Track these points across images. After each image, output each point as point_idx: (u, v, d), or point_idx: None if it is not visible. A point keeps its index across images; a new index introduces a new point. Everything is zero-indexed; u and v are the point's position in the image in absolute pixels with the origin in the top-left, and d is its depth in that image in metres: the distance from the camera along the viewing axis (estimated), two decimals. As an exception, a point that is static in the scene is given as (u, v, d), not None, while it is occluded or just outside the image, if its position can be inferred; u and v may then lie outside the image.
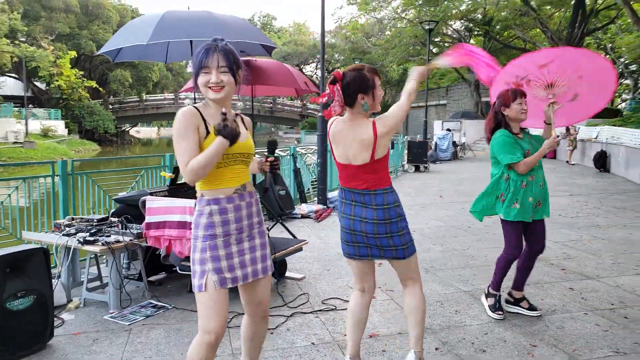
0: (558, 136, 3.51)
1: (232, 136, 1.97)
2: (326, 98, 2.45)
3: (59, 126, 35.85)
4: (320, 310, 3.71)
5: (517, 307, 3.65)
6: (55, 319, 3.24)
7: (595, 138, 16.09)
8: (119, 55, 4.36)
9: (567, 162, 16.71)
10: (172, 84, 48.46)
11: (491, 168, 3.58)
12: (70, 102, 39.56)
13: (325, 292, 4.14)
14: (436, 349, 3.08)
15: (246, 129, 2.24)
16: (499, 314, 3.56)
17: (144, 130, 68.42)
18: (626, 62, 27.36)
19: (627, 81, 33.07)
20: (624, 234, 6.20)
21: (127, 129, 51.68)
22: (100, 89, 41.40)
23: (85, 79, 39.58)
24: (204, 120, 2.06)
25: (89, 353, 3.01)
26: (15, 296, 2.86)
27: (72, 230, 3.71)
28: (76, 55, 38.82)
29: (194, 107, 2.08)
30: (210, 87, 2.04)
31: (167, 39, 3.85)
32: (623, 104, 29.56)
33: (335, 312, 3.68)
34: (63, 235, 3.64)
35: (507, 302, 3.70)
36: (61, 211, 4.54)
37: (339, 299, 3.95)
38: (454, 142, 19.46)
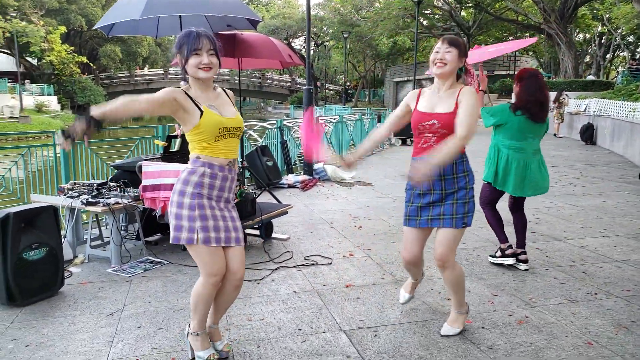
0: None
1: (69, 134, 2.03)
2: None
3: (52, 101, 35.73)
4: (302, 265, 4.07)
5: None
6: (64, 271, 3.58)
7: (584, 111, 16.31)
8: (113, 30, 4.58)
9: (555, 135, 17.00)
10: (161, 59, 48.11)
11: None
12: (62, 77, 39.34)
13: (308, 250, 4.49)
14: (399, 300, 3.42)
15: (233, 105, 2.45)
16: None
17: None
18: (623, 33, 27.20)
19: (624, 53, 32.96)
20: (598, 202, 6.55)
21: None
22: (91, 64, 41.12)
23: (76, 55, 39.25)
24: (193, 100, 2.28)
25: (95, 298, 3.37)
26: (30, 247, 3.21)
27: (75, 194, 4.02)
28: (66, 31, 38.41)
29: (183, 90, 2.29)
30: (201, 68, 2.27)
31: (158, 14, 4.08)
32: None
33: (316, 266, 4.04)
34: (67, 197, 3.94)
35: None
36: (63, 177, 4.84)
37: (320, 255, 4.31)
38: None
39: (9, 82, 33.18)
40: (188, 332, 2.50)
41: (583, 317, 3.09)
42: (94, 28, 4.92)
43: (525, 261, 3.99)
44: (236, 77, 44.67)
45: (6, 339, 2.80)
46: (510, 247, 4.02)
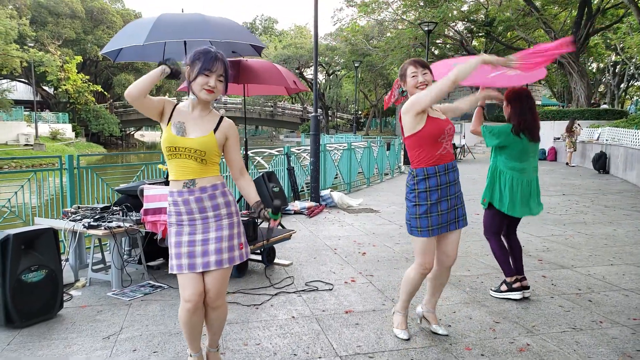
0: (559, 138, 3.85)
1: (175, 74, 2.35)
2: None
3: (66, 129, 36.55)
4: (302, 291, 4.04)
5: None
6: (64, 294, 3.60)
7: (597, 139, 16.22)
8: (120, 56, 4.69)
9: (567, 164, 16.89)
10: (175, 88, 49.07)
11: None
12: (77, 105, 40.29)
13: (309, 276, 4.46)
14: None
15: (213, 131, 2.35)
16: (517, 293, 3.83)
17: (148, 134, 69.02)
18: (637, 63, 27.11)
19: (638, 82, 32.80)
20: (608, 230, 6.45)
21: (132, 133, 52.30)
22: (105, 93, 42.07)
23: (91, 83, 40.31)
24: (171, 114, 2.35)
25: (93, 321, 3.37)
26: (29, 270, 3.23)
27: (78, 217, 4.06)
28: (82, 60, 39.54)
29: (177, 101, 2.41)
30: (206, 89, 2.28)
31: (163, 39, 4.18)
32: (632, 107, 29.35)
33: (316, 292, 4.00)
34: (70, 220, 3.98)
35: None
36: (69, 201, 4.90)
37: (321, 281, 4.27)
38: (453, 144, 19.62)
39: (25, 110, 34.02)
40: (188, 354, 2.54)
41: (586, 346, 3.01)
42: (100, 53, 5.05)
43: (528, 287, 3.88)
44: (248, 106, 45.31)
45: (1, 361, 2.80)
46: (517, 280, 3.84)
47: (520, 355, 2.89)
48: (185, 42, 4.35)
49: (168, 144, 2.30)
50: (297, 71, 44.26)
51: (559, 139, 18.80)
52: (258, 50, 4.84)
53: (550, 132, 19.75)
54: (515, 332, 3.22)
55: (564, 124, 17.50)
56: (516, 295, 3.81)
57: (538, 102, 34.20)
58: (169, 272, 2.37)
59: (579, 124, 16.56)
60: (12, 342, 3.04)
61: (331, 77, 49.85)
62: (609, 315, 3.51)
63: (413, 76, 2.83)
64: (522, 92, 3.71)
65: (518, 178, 3.69)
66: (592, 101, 26.65)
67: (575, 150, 16.72)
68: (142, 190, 3.97)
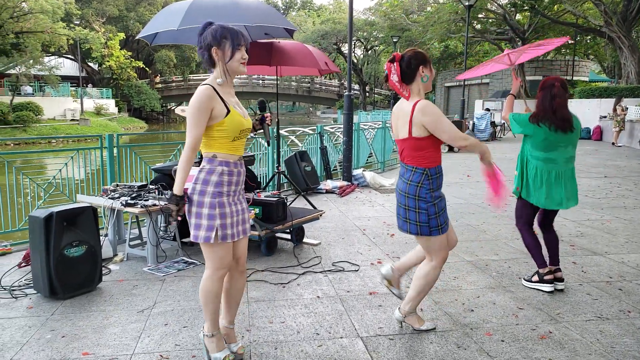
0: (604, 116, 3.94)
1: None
2: (386, 73, 2.80)
3: (110, 105, 37.72)
4: (329, 271, 4.14)
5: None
6: (103, 268, 3.85)
7: (647, 118, 15.49)
8: (156, 39, 4.83)
9: (613, 143, 16.23)
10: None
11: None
12: (120, 81, 41.38)
13: (337, 256, 4.55)
14: (421, 309, 3.43)
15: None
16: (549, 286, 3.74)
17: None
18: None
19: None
20: (648, 216, 6.25)
21: (172, 108, 53.41)
22: (147, 69, 42.93)
23: (133, 60, 41.15)
24: (223, 100, 2.36)
25: (130, 295, 3.59)
26: (71, 245, 3.46)
27: (116, 195, 4.27)
28: (124, 37, 40.35)
29: (212, 87, 2.34)
30: (242, 63, 2.41)
31: (197, 24, 4.26)
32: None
33: (342, 272, 4.10)
34: (109, 198, 4.20)
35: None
36: (109, 178, 5.15)
37: (348, 262, 4.36)
38: (492, 122, 19.14)
39: (71, 87, 35.23)
40: (203, 334, 2.60)
41: (611, 336, 2.99)
42: (137, 37, 5.20)
43: (562, 279, 3.80)
44: (285, 82, 45.35)
45: (46, 330, 3.04)
46: (550, 272, 3.77)
47: (540, 342, 2.90)
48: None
49: (241, 127, 2.42)
50: (334, 46, 43.81)
51: (605, 117, 18.03)
52: (290, 32, 4.87)
53: (596, 110, 18.94)
54: (538, 319, 3.22)
55: (612, 101, 16.74)
56: (547, 287, 3.74)
57: (585, 78, 32.71)
58: (206, 242, 2.38)
59: (621, 105, 15.79)
60: (56, 312, 3.28)
61: (369, 52, 49.11)
62: (638, 305, 3.45)
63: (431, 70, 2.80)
64: (547, 82, 3.63)
65: (543, 168, 3.61)
66: None
67: (623, 129, 16.02)
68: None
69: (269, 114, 2.82)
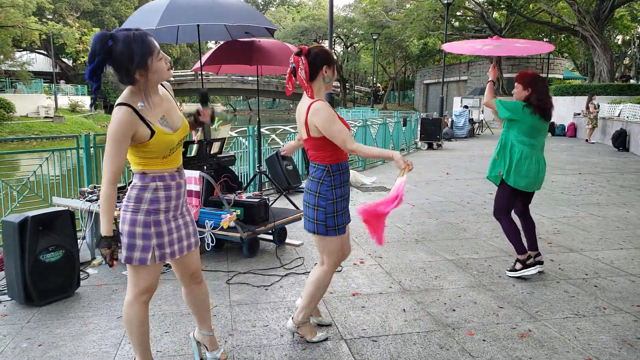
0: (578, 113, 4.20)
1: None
2: (293, 65, 2.62)
3: (86, 101, 36.94)
4: (311, 272, 4.13)
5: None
6: (81, 272, 3.77)
7: (618, 116, 15.87)
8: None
9: (587, 140, 16.60)
10: (193, 60, 49.12)
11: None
12: (96, 78, 40.49)
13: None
14: (403, 310, 3.45)
15: (174, 101, 2.30)
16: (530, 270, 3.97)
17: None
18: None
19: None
20: (621, 212, 6.39)
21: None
22: (124, 65, 42.15)
23: (110, 55, 40.32)
24: (144, 120, 2.07)
25: (109, 300, 3.52)
26: (47, 250, 3.38)
27: (94, 197, 4.18)
28: (100, 32, 39.56)
29: (131, 107, 2.05)
30: (168, 67, 2.15)
31: (176, 23, 4.21)
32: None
33: (325, 274, 4.09)
34: (86, 201, 4.11)
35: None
36: (85, 180, 5.04)
37: (331, 263, 4.35)
38: (471, 119, 19.38)
39: (44, 83, 34.40)
40: None
41: (588, 333, 3.06)
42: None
43: (542, 262, 4.06)
44: (265, 79, 45.08)
45: (21, 338, 2.96)
46: (530, 257, 4.00)
47: (521, 341, 2.95)
48: (198, 25, 4.37)
49: (171, 145, 2.17)
50: (315, 43, 43.74)
51: (579, 114, 18.43)
52: (271, 32, 4.84)
53: (570, 107, 19.36)
54: (518, 318, 3.28)
55: (585, 99, 17.12)
56: (532, 270, 3.95)
57: (559, 76, 33.39)
58: (142, 264, 2.17)
59: (594, 102, 16.17)
60: (31, 320, 3.20)
61: (349, 49, 49.20)
62: (613, 302, 3.54)
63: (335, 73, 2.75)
64: (539, 77, 3.93)
65: (528, 153, 3.84)
66: (621, 75, 25.94)
67: (596, 127, 16.40)
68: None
69: (205, 109, 2.44)
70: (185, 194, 2.36)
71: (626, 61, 35.95)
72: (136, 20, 4.35)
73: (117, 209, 2.54)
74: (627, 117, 14.94)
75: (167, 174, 2.21)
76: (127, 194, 2.20)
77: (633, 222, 5.92)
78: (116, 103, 2.09)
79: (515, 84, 3.92)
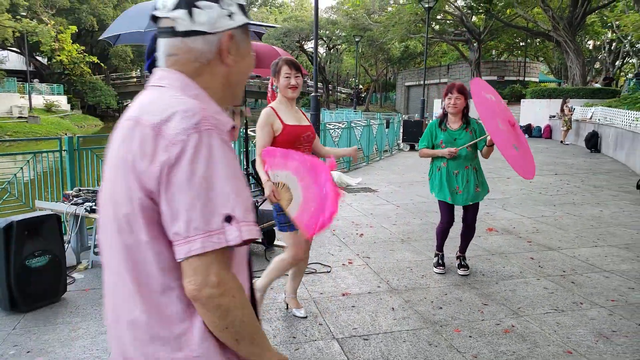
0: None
1: None
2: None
3: (62, 101, 36.10)
4: (300, 273, 4.18)
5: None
6: (67, 277, 3.72)
7: (590, 118, 16.32)
8: (118, 40, 4.72)
9: (561, 142, 17.00)
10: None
11: None
12: (73, 77, 39.69)
13: (308, 257, 4.58)
14: (392, 309, 3.53)
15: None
16: (440, 269, 4.27)
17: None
18: (632, 40, 27.22)
19: (633, 60, 33.07)
20: (595, 212, 6.61)
21: (129, 105, 51.98)
22: (102, 64, 41.46)
23: (87, 54, 39.60)
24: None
25: (97, 305, 3.49)
26: (33, 255, 3.33)
27: (80, 200, 4.15)
28: (77, 30, 38.77)
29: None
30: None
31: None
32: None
33: (314, 274, 4.14)
34: (72, 204, 4.08)
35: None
36: (69, 183, 4.97)
37: (320, 263, 4.41)
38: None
39: (18, 81, 33.54)
40: None
41: (566, 327, 3.18)
42: (99, 39, 5.07)
43: (467, 267, 4.26)
44: (248, 80, 44.72)
45: (8, 345, 2.92)
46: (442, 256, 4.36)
47: (505, 336, 3.05)
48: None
49: None
50: (297, 44, 43.72)
51: (554, 116, 18.88)
52: (259, 35, 4.87)
53: (546, 109, 19.81)
54: (502, 314, 3.39)
55: (560, 102, 17.56)
56: (436, 270, 4.27)
57: (535, 79, 34.13)
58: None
59: (568, 105, 16.60)
60: (18, 327, 3.15)
61: (332, 51, 49.31)
62: (589, 297, 3.69)
63: (286, 77, 2.98)
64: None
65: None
66: (604, 77, 26.67)
67: (570, 129, 16.83)
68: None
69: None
70: None
71: (597, 65, 36.97)
72: (124, 22, 4.34)
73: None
74: (599, 119, 15.39)
75: None
76: None
77: (606, 220, 6.13)
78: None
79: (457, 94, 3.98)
